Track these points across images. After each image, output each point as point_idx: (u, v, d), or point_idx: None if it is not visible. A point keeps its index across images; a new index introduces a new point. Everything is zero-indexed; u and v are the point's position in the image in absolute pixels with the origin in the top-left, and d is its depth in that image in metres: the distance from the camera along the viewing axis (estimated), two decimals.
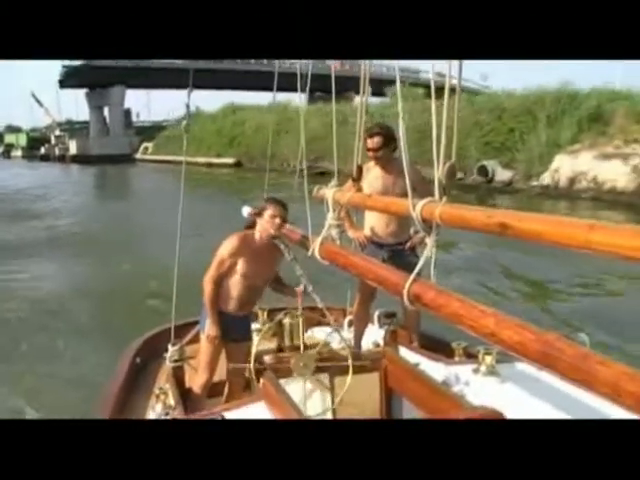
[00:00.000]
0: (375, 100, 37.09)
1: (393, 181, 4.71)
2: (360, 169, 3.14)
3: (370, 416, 4.19)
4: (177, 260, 4.39)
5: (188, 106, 4.48)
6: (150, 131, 70.29)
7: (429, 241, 2.32)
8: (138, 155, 65.44)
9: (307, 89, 4.12)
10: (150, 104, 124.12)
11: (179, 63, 60.68)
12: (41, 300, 11.12)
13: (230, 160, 48.11)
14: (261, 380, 3.83)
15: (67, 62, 65.74)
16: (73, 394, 6.73)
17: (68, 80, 68.62)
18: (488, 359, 3.32)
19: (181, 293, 4.40)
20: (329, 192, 3.49)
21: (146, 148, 66.18)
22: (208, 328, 4.28)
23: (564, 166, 23.82)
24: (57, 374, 7.63)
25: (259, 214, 4.24)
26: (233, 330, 4.38)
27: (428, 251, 2.32)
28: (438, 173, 2.30)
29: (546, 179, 24.38)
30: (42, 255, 15.53)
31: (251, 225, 4.34)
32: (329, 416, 3.90)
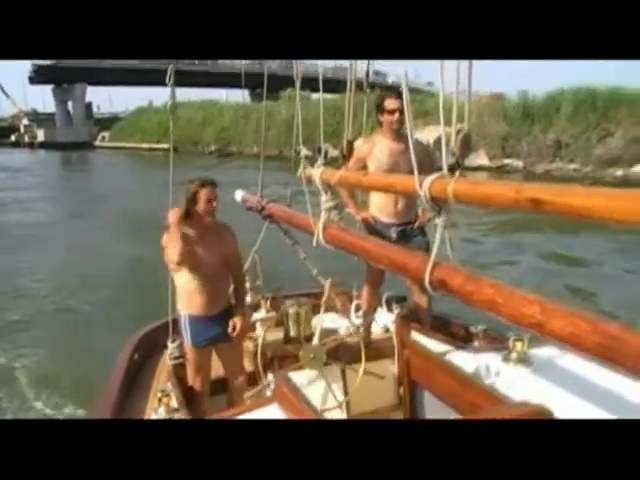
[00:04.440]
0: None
1: (402, 156, 3.60)
2: (351, 145, 2.33)
3: (385, 405, 3.30)
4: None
5: (173, 90, 3.58)
6: (108, 122, 67.92)
7: (439, 222, 1.66)
8: (97, 142, 63.45)
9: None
10: (112, 97, 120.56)
11: (134, 64, 58.11)
12: None
13: (166, 145, 49.95)
14: (270, 378, 2.99)
15: (37, 61, 62.11)
16: None
17: (37, 77, 64.68)
18: (519, 346, 2.46)
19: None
20: (315, 172, 2.54)
21: (103, 137, 64.39)
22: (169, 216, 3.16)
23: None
24: None
25: (193, 200, 3.20)
26: (213, 330, 3.38)
27: (439, 233, 1.66)
28: (450, 144, 1.63)
29: None
30: None
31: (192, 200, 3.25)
32: (343, 408, 3.07)
